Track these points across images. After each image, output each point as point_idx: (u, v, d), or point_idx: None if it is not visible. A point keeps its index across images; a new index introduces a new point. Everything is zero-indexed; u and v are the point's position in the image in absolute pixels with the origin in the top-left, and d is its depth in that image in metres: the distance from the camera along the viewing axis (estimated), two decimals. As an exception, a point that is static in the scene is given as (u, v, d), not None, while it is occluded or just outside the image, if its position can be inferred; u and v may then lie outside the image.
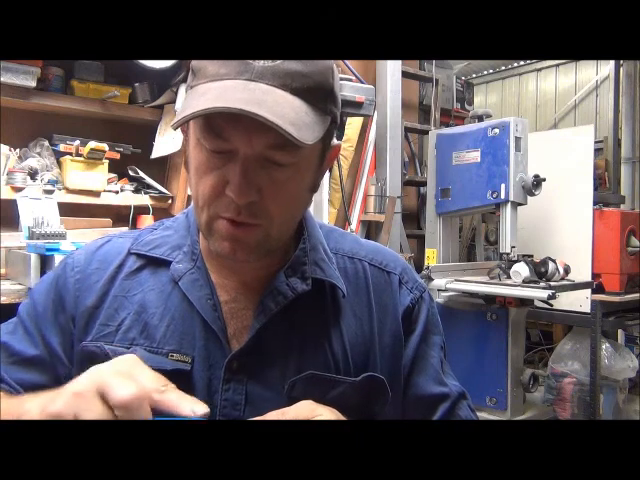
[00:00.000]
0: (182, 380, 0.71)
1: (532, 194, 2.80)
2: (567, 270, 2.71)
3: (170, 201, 2.65)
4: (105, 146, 2.36)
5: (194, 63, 0.68)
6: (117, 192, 2.49)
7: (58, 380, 0.74)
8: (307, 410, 0.62)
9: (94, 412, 0.52)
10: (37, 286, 0.82)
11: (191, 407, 0.54)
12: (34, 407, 0.57)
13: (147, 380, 0.55)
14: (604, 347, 3.07)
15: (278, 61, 0.63)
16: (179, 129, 0.72)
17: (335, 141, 0.77)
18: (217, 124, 0.64)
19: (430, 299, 0.85)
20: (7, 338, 0.78)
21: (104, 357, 0.72)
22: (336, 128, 0.74)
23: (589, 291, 3.00)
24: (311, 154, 0.70)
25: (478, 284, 2.70)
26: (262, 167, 0.66)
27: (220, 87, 0.63)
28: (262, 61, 0.63)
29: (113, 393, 0.52)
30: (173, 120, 0.64)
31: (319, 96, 0.67)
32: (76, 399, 0.53)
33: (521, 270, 2.57)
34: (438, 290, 2.77)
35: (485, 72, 6.68)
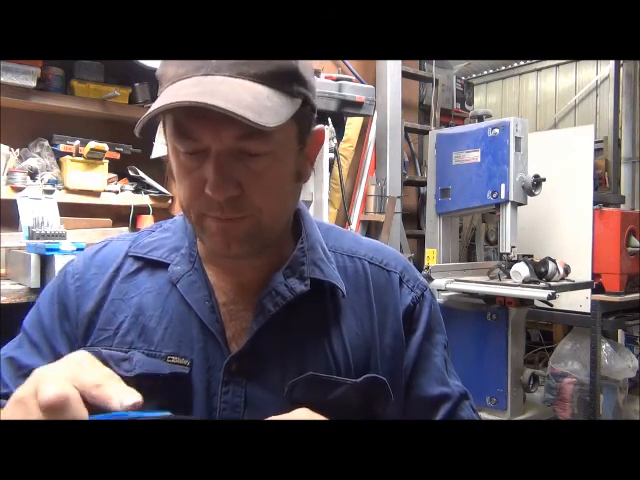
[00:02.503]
0: (181, 383, 0.71)
1: (532, 194, 2.80)
2: (567, 270, 2.71)
3: (170, 201, 2.65)
4: (105, 146, 2.36)
5: (157, 71, 0.68)
6: (117, 192, 2.49)
7: None
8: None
9: (34, 417, 0.50)
10: (41, 297, 0.81)
11: (119, 399, 0.51)
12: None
13: (86, 376, 0.52)
14: (604, 347, 3.07)
15: None
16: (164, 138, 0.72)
17: (317, 126, 0.74)
18: (184, 125, 0.64)
19: (432, 297, 0.84)
20: (14, 353, 0.77)
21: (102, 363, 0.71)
22: (314, 110, 0.72)
23: (589, 291, 3.00)
24: (287, 140, 0.68)
25: (478, 284, 2.70)
26: (238, 160, 0.65)
27: (175, 87, 0.63)
28: None
29: (39, 395, 0.50)
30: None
31: (283, 79, 0.65)
32: (17, 405, 0.52)
33: (521, 270, 2.57)
34: (438, 290, 2.77)
35: (485, 72, 6.68)
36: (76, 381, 0.52)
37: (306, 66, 0.70)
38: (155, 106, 0.61)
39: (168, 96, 0.61)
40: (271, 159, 0.66)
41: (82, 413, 0.50)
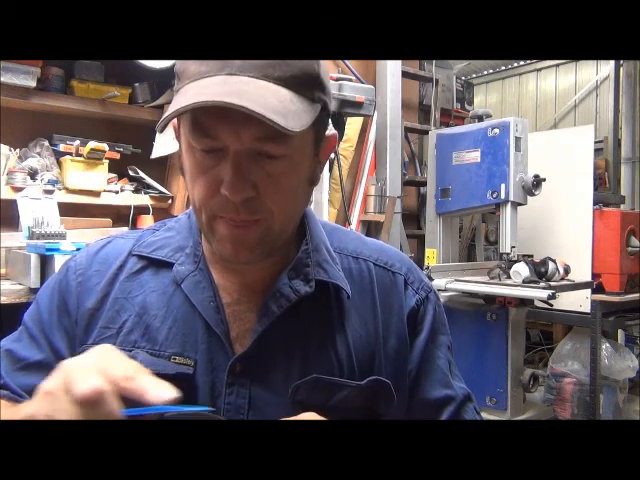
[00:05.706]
0: (185, 384, 0.70)
1: (532, 194, 2.79)
2: (567, 270, 2.71)
3: (170, 201, 2.65)
4: (105, 146, 2.36)
5: (177, 67, 0.68)
6: (117, 192, 2.49)
7: None
8: None
9: (64, 411, 0.50)
10: (41, 291, 0.81)
11: (157, 392, 0.51)
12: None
13: (116, 369, 0.52)
14: (604, 347, 3.07)
15: None
16: (174, 135, 0.72)
17: (330, 131, 0.75)
18: (203, 122, 0.63)
19: (436, 299, 0.83)
20: (13, 346, 0.77)
21: None
22: (329, 116, 0.72)
23: (589, 291, 3.00)
24: (304, 144, 0.69)
25: (478, 284, 2.70)
26: (255, 162, 0.65)
27: (200, 84, 0.62)
28: None
29: (74, 389, 0.50)
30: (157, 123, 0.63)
31: (305, 84, 0.65)
32: (46, 398, 0.51)
33: (521, 270, 2.57)
34: (438, 290, 2.76)
35: (485, 72, 6.68)
36: (106, 374, 0.51)
37: (326, 72, 0.70)
38: (182, 104, 0.59)
39: (193, 93, 0.61)
40: (288, 163, 0.66)
41: (116, 407, 0.50)
